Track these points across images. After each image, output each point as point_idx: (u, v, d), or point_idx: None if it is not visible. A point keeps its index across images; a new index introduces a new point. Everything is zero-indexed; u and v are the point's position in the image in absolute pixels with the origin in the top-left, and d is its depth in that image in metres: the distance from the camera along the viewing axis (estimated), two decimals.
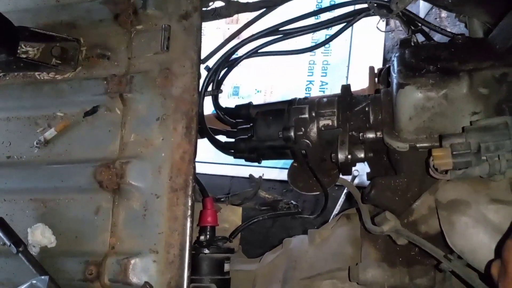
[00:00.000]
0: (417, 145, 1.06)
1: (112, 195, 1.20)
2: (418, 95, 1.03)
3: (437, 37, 1.67)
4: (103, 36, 1.34)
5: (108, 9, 1.33)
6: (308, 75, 2.74)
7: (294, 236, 1.64)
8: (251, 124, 1.34)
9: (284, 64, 2.73)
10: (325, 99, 1.27)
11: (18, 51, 1.33)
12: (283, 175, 2.61)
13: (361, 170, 1.37)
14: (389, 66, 1.31)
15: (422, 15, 2.33)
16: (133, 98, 1.24)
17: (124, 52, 1.30)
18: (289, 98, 1.34)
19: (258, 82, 2.79)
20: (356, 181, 1.40)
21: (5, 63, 1.33)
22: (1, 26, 1.24)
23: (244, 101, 1.47)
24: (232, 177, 2.72)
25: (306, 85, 2.73)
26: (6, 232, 1.19)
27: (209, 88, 1.44)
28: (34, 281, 1.12)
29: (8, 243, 1.17)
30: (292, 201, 1.51)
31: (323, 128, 1.23)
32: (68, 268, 1.18)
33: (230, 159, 2.60)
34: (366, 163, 1.29)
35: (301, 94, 2.79)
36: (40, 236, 1.20)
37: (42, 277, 1.12)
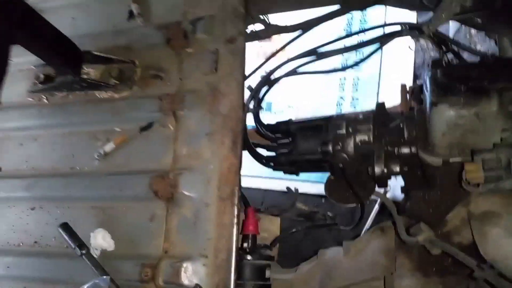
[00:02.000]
0: (450, 160, 1.13)
1: (165, 204, 1.30)
2: (451, 113, 1.11)
3: (466, 54, 1.73)
4: (156, 58, 1.46)
5: (161, 34, 1.46)
6: (339, 91, 2.82)
7: (329, 248, 1.71)
8: (291, 139, 1.43)
9: (316, 81, 2.83)
10: (361, 116, 1.35)
11: (81, 72, 1.47)
12: (315, 189, 2.69)
13: (392, 185, 1.44)
14: (422, 85, 1.39)
15: (452, 32, 2.38)
16: (184, 115, 1.36)
17: (175, 72, 1.42)
18: (320, 113, 1.42)
19: (290, 99, 2.90)
20: (387, 195, 1.48)
21: (69, 83, 1.47)
22: (70, 51, 1.39)
23: (277, 116, 1.57)
24: (265, 190, 2.82)
25: (338, 101, 2.81)
26: (70, 236, 1.31)
27: (251, 105, 1.55)
28: (97, 281, 1.23)
29: (73, 246, 1.29)
30: (328, 213, 1.59)
31: (359, 143, 1.31)
32: (125, 270, 1.28)
33: (263, 172, 2.72)
34: (400, 177, 1.37)
35: (332, 110, 2.89)
36: (101, 240, 1.31)
37: (104, 277, 1.24)
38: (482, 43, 2.40)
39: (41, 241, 1.42)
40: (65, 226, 1.34)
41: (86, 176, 1.43)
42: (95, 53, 1.50)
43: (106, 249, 1.32)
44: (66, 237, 1.31)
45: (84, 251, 1.28)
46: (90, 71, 1.51)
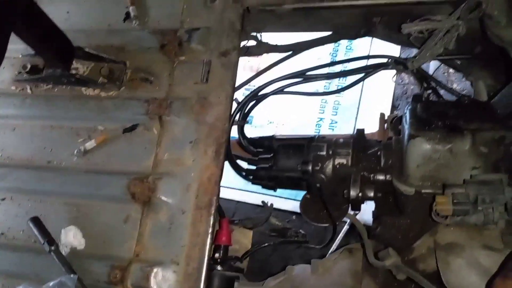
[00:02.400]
0: (422, 190, 1.19)
1: (142, 207, 1.31)
2: (427, 147, 1.17)
3: (442, 92, 1.82)
4: (149, 62, 1.48)
5: (155, 39, 1.48)
6: (319, 112, 2.89)
7: (297, 265, 1.74)
8: (272, 155, 1.47)
9: (298, 100, 2.88)
10: (341, 140, 1.40)
11: (71, 67, 1.47)
12: (287, 205, 2.72)
13: (362, 209, 1.49)
14: (401, 116, 1.45)
15: (432, 68, 2.50)
16: (170, 120, 1.37)
17: (166, 78, 1.44)
18: (299, 132, 1.47)
19: (271, 114, 2.94)
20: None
21: (57, 77, 1.46)
22: (62, 44, 1.38)
23: (257, 130, 1.60)
24: (238, 201, 2.83)
25: (317, 122, 2.88)
26: (40, 231, 1.30)
27: (236, 118, 1.58)
28: (63, 279, 1.22)
29: (42, 241, 1.28)
30: (300, 230, 1.63)
31: (338, 166, 1.36)
32: (94, 270, 1.27)
33: (236, 183, 2.74)
34: (371, 202, 1.42)
35: (311, 130, 2.95)
36: (72, 238, 1.30)
37: (71, 276, 1.22)
38: (459, 82, 2.53)
39: (8, 233, 1.40)
40: (36, 220, 1.32)
41: (63, 172, 1.42)
42: (87, 49, 1.49)
43: (76, 247, 1.31)
44: (36, 232, 1.30)
45: (53, 247, 1.27)
46: (80, 67, 1.51)
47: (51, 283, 1.21)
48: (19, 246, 1.37)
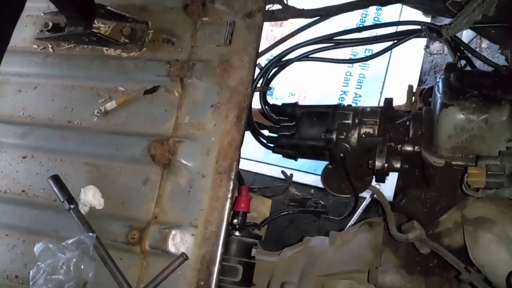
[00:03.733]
0: (453, 162, 1.14)
1: (161, 169, 1.29)
2: (460, 117, 1.11)
3: (477, 64, 1.73)
4: (171, 22, 1.44)
5: None
6: (343, 85, 2.82)
7: (315, 236, 1.72)
8: (295, 123, 1.42)
9: (321, 71, 2.82)
10: (368, 109, 1.35)
11: (92, 25, 1.44)
12: (306, 178, 2.70)
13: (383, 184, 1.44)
14: (432, 87, 1.38)
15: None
16: (192, 83, 1.34)
17: (188, 40, 1.40)
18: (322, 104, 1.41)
19: (293, 86, 2.88)
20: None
21: (79, 35, 1.44)
22: (86, 2, 1.35)
23: (278, 102, 1.56)
24: (256, 173, 2.81)
25: (340, 95, 2.81)
26: (60, 189, 1.30)
27: (258, 84, 1.53)
28: (82, 237, 1.22)
29: (61, 199, 1.28)
30: (320, 201, 1.60)
31: (363, 135, 1.31)
32: (112, 229, 1.27)
33: (255, 155, 2.72)
34: (394, 177, 1.37)
35: (334, 103, 2.88)
36: (91, 197, 1.30)
37: (90, 234, 1.22)
38: (492, 58, 2.40)
39: (29, 190, 1.40)
40: (56, 179, 1.32)
41: (83, 132, 1.40)
42: (109, 8, 1.46)
43: (95, 207, 1.31)
44: (56, 190, 1.30)
45: (72, 206, 1.27)
46: (101, 26, 1.48)
47: (70, 241, 1.22)
48: (40, 203, 1.37)
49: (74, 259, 1.20)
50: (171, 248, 1.21)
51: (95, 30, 1.43)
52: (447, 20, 1.48)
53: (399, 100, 2.03)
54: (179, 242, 1.21)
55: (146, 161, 1.30)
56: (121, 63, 1.44)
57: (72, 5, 1.34)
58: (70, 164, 1.39)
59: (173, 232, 1.22)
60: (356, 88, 2.79)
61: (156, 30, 1.44)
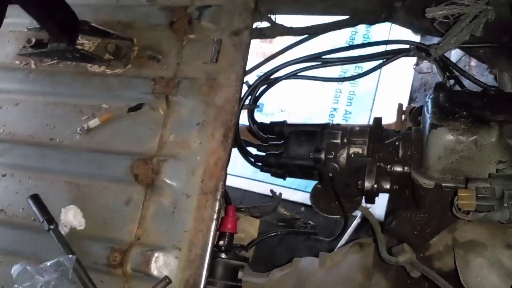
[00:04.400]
0: (443, 184, 1.11)
1: (145, 189, 1.25)
2: (450, 138, 1.09)
3: (466, 83, 1.73)
4: (156, 39, 1.42)
5: (165, 16, 1.42)
6: (333, 102, 2.81)
7: (304, 257, 1.68)
8: (283, 141, 1.40)
9: (311, 88, 2.81)
10: (357, 128, 1.33)
11: (76, 42, 1.41)
12: (296, 196, 2.66)
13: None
14: (421, 106, 1.37)
15: (453, 60, 2.39)
16: (177, 101, 1.31)
17: (174, 57, 1.38)
18: (312, 122, 1.40)
19: (283, 102, 2.87)
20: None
21: (62, 52, 1.41)
22: (68, 18, 1.33)
23: (268, 118, 1.53)
24: (245, 190, 2.78)
25: (330, 112, 2.80)
26: (40, 209, 1.26)
27: (246, 102, 1.51)
28: (61, 259, 1.17)
29: (41, 219, 1.23)
30: (309, 221, 1.56)
31: (352, 155, 1.29)
32: (93, 251, 1.22)
33: (244, 172, 2.68)
34: (385, 196, 1.34)
35: (324, 120, 2.86)
36: (72, 217, 1.25)
37: (69, 256, 1.18)
38: (480, 77, 2.41)
39: (8, 210, 1.36)
40: (36, 198, 1.28)
41: (65, 150, 1.37)
42: (93, 24, 1.44)
43: (75, 228, 1.26)
44: (35, 209, 1.26)
45: (52, 226, 1.22)
46: (85, 43, 1.46)
47: (48, 263, 1.17)
48: (19, 223, 1.33)
49: (53, 282, 1.15)
50: (154, 271, 1.17)
51: (78, 47, 1.41)
52: (436, 39, 1.48)
53: (389, 118, 2.02)
54: (162, 265, 1.17)
55: (129, 181, 1.26)
56: (105, 80, 1.41)
57: (54, 21, 1.31)
58: (50, 183, 1.35)
59: (156, 254, 1.18)
60: (346, 105, 2.79)
61: (141, 47, 1.42)
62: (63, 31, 1.37)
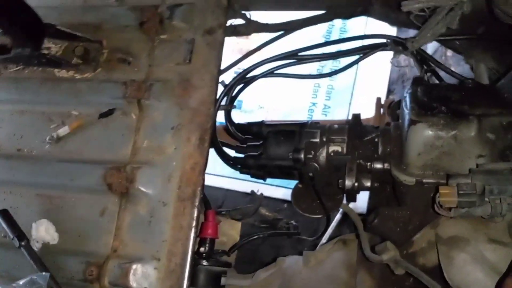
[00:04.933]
0: (423, 180, 1.10)
1: (119, 199, 1.21)
2: (429, 133, 1.08)
3: (442, 74, 1.73)
4: (127, 41, 1.37)
5: (134, 16, 1.37)
6: (312, 97, 2.79)
7: (288, 256, 1.66)
8: (261, 142, 1.37)
9: (289, 84, 2.77)
10: (336, 126, 1.31)
11: (42, 46, 1.35)
12: (278, 193, 2.64)
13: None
14: (399, 100, 1.36)
15: (429, 51, 2.40)
16: (150, 104, 1.27)
17: (145, 59, 1.33)
18: (291, 117, 1.37)
19: (262, 98, 2.84)
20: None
21: (27, 57, 1.34)
22: (31, 21, 1.26)
23: (247, 115, 1.50)
24: (227, 190, 2.74)
25: (309, 107, 2.78)
26: (9, 225, 1.19)
27: (223, 103, 1.47)
28: (35, 277, 1.12)
29: (11, 236, 1.17)
30: (292, 221, 1.54)
31: (332, 154, 1.26)
32: (68, 266, 1.18)
33: (225, 171, 2.65)
34: (367, 192, 1.33)
35: (303, 115, 2.85)
36: (44, 232, 1.20)
37: (43, 273, 1.12)
38: (457, 67, 2.43)
39: None
40: (5, 214, 1.21)
41: (34, 160, 1.31)
42: (60, 27, 1.37)
43: (48, 243, 1.22)
44: (5, 225, 1.19)
45: (23, 243, 1.17)
46: (52, 46, 1.40)
47: (21, 281, 1.11)
48: None
49: None
50: (133, 283, 1.13)
51: (44, 51, 1.34)
52: (412, 32, 1.46)
53: (368, 111, 2.01)
54: (141, 277, 1.13)
55: (103, 191, 1.21)
56: (74, 86, 1.36)
57: (16, 25, 1.25)
58: (20, 196, 1.29)
59: (134, 266, 1.14)
60: (325, 99, 2.77)
61: (111, 50, 1.37)
62: (27, 35, 1.31)
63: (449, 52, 2.54)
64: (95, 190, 1.22)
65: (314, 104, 2.80)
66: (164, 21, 1.34)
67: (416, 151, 1.09)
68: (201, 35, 1.31)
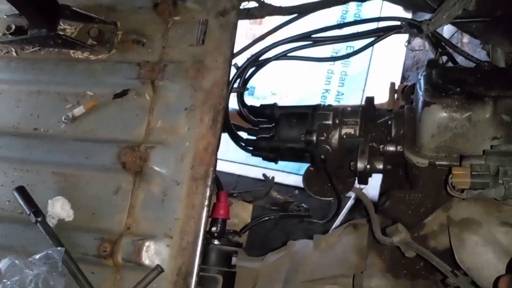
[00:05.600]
0: (436, 162, 1.09)
1: (133, 177, 1.22)
2: (443, 115, 1.07)
3: (459, 60, 1.70)
4: (141, 22, 1.37)
5: None
6: (325, 84, 2.77)
7: (298, 240, 1.67)
8: (274, 124, 1.37)
9: (302, 70, 2.77)
10: (349, 108, 1.30)
11: (57, 28, 1.36)
12: (290, 179, 2.65)
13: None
14: (413, 84, 1.34)
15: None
16: (164, 85, 1.27)
17: (159, 40, 1.34)
18: (304, 104, 1.37)
19: (274, 85, 2.83)
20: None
21: (43, 38, 1.36)
22: (47, 2, 1.28)
23: (260, 102, 1.51)
24: (239, 175, 2.75)
25: (322, 93, 2.77)
26: (26, 201, 1.22)
27: (235, 85, 1.47)
28: (50, 252, 1.15)
29: (28, 212, 1.20)
30: (303, 204, 1.55)
31: (344, 136, 1.26)
32: (82, 242, 1.20)
33: (237, 157, 2.66)
34: (379, 176, 1.32)
35: (316, 102, 2.82)
36: (59, 209, 1.22)
37: (58, 248, 1.15)
38: (473, 54, 2.38)
39: None
40: (22, 190, 1.24)
41: (50, 139, 1.33)
42: (75, 8, 1.39)
43: (64, 219, 1.23)
44: (22, 202, 1.22)
45: (39, 219, 1.19)
46: (67, 28, 1.41)
47: (37, 256, 1.14)
48: (5, 217, 1.29)
49: (43, 275, 1.12)
50: (145, 260, 1.14)
51: (60, 32, 1.36)
52: (428, 16, 1.44)
53: (382, 98, 1.99)
54: (153, 254, 1.15)
55: (117, 169, 1.23)
56: (89, 66, 1.37)
57: (33, 7, 1.26)
58: (36, 174, 1.31)
59: (146, 243, 1.15)
60: (339, 86, 2.75)
61: (125, 31, 1.37)
62: (43, 16, 1.32)
63: (465, 39, 2.50)
64: (110, 169, 1.24)
65: (327, 90, 2.78)
66: (177, 3, 1.34)
67: (429, 133, 1.09)
68: (214, 17, 1.31)
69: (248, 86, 1.52)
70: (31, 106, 1.38)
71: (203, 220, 1.16)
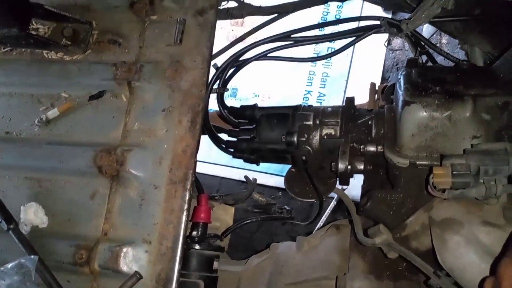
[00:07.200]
0: (417, 162, 1.09)
1: (110, 181, 1.19)
2: (423, 114, 1.07)
3: (438, 59, 1.71)
4: (117, 22, 1.34)
5: None
6: (307, 85, 2.77)
7: (281, 242, 1.66)
8: (254, 126, 1.35)
9: (284, 71, 2.77)
10: (329, 109, 1.29)
11: (29, 27, 1.31)
12: (273, 181, 2.63)
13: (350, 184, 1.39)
14: (393, 84, 1.34)
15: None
16: (140, 86, 1.24)
17: (136, 40, 1.30)
18: (286, 105, 1.36)
19: (257, 86, 2.82)
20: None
21: (14, 38, 1.30)
22: (18, 0, 1.23)
23: (242, 103, 1.49)
24: (222, 178, 2.73)
25: (304, 95, 2.76)
26: None
27: (215, 86, 1.45)
28: (23, 260, 1.10)
29: None
30: (285, 206, 1.53)
31: (325, 137, 1.25)
32: (58, 250, 1.16)
33: (220, 159, 2.63)
34: (362, 176, 1.32)
35: (298, 103, 2.82)
36: (32, 215, 1.18)
37: (31, 256, 1.11)
38: (452, 53, 2.41)
39: None
40: None
41: (23, 143, 1.28)
42: (48, 7, 1.34)
43: (37, 226, 1.19)
44: None
45: (11, 226, 1.14)
46: (40, 27, 1.36)
47: (9, 265, 1.09)
48: None
49: (15, 285, 1.08)
50: (123, 267, 1.11)
51: (32, 32, 1.31)
52: (407, 16, 1.45)
53: (362, 98, 1.99)
54: (131, 260, 1.12)
55: (93, 173, 1.19)
56: (63, 67, 1.33)
57: (2, 4, 1.21)
58: (9, 179, 1.26)
59: (124, 249, 1.12)
60: (320, 87, 2.75)
61: (101, 31, 1.34)
62: (14, 15, 1.27)
63: (444, 39, 2.53)
64: (85, 173, 1.20)
65: (309, 92, 2.78)
66: (154, 2, 1.31)
67: (409, 132, 1.08)
68: (192, 16, 1.28)
69: (230, 87, 1.50)
70: (3, 109, 1.34)
71: (183, 225, 1.13)
